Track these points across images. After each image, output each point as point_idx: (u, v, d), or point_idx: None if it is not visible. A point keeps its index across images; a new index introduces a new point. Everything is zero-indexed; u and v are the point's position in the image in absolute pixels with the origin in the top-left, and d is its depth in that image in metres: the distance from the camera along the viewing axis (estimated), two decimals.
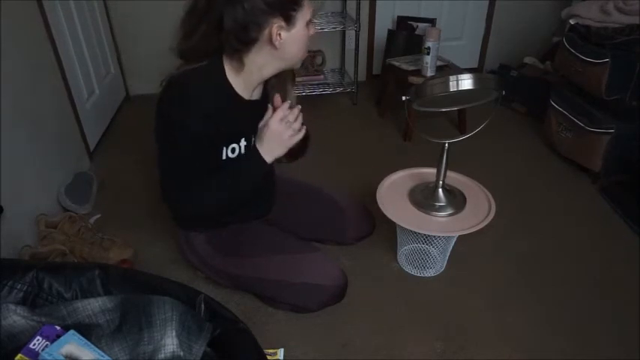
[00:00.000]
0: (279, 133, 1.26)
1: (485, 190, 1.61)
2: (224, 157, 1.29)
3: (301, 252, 1.43)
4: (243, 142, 1.31)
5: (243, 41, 1.15)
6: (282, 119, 1.25)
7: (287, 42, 1.17)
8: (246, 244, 1.44)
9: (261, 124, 1.28)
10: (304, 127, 1.30)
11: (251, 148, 1.29)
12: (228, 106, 1.24)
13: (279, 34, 1.15)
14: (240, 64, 1.19)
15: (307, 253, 1.44)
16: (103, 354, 0.87)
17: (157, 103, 1.22)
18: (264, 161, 1.28)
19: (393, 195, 1.59)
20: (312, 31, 1.22)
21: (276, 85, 1.34)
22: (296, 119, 1.27)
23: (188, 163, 1.23)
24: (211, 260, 1.46)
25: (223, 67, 1.21)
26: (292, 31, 1.16)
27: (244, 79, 1.24)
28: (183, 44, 1.19)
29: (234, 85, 1.23)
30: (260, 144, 1.27)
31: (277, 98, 1.27)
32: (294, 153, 1.39)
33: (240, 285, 1.51)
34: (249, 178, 1.31)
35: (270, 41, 1.15)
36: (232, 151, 1.30)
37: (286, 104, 1.26)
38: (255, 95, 1.31)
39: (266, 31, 1.14)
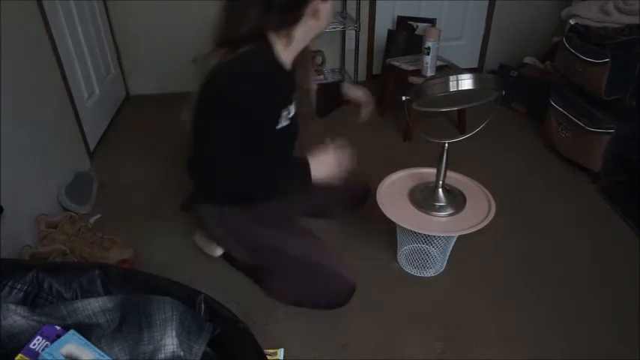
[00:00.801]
0: (330, 169, 1.38)
1: (486, 190, 1.61)
2: (278, 127, 1.41)
3: (323, 242, 1.55)
4: (286, 112, 1.43)
5: (294, 17, 1.30)
6: (336, 166, 1.38)
7: (323, 14, 1.33)
8: (276, 218, 1.54)
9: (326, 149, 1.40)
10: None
11: (305, 169, 1.37)
12: (278, 80, 1.38)
13: (319, 8, 1.31)
14: (289, 39, 1.33)
15: (328, 248, 1.55)
16: (103, 354, 0.87)
17: (215, 86, 1.29)
18: (310, 181, 1.37)
19: (393, 195, 1.59)
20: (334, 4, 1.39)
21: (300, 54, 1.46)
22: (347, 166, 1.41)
23: (245, 140, 1.32)
24: (239, 226, 1.51)
25: (271, 45, 1.34)
26: (327, 4, 1.33)
27: (289, 53, 1.37)
28: (230, 32, 1.31)
29: (281, 60, 1.37)
30: (316, 170, 1.37)
31: None
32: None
33: (257, 257, 1.53)
34: (293, 187, 1.46)
35: (312, 15, 1.31)
36: (284, 119, 1.43)
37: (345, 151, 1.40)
38: (289, 67, 1.43)
39: (310, 6, 1.30)
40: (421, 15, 2.99)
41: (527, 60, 2.96)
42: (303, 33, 1.34)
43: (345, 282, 1.45)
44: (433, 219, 1.51)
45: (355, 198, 1.83)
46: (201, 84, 1.32)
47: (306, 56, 1.50)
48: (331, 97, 1.68)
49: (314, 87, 1.56)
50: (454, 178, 1.65)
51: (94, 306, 0.94)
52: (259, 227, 1.51)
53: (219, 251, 1.67)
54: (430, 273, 1.64)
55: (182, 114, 1.38)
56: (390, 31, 2.96)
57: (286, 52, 1.36)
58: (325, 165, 1.37)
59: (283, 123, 1.43)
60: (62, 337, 0.86)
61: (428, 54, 2.30)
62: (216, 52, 1.32)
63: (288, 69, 1.40)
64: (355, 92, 1.68)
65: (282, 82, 1.40)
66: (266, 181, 1.41)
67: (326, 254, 1.50)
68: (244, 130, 1.31)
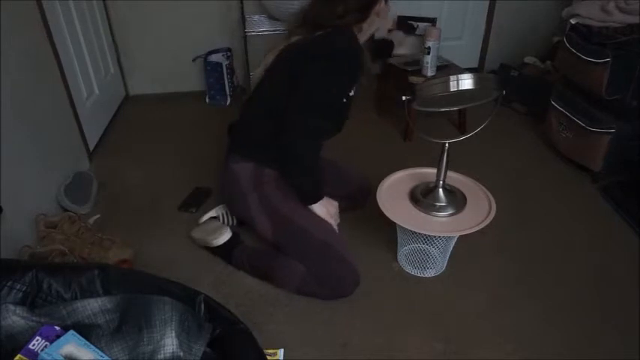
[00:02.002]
0: (323, 213, 1.60)
1: (486, 190, 1.60)
2: (345, 100, 1.59)
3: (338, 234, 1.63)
4: (356, 85, 1.63)
5: (366, 13, 1.59)
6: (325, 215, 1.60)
7: (382, 13, 1.65)
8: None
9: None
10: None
11: (318, 194, 1.60)
12: (361, 57, 1.61)
13: (381, 8, 1.62)
14: (359, 30, 1.61)
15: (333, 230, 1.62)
16: (102, 354, 0.87)
17: (327, 51, 1.52)
18: (313, 201, 1.58)
19: (393, 195, 1.59)
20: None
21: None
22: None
23: (331, 110, 1.55)
24: (271, 194, 1.59)
25: (352, 30, 1.60)
26: (384, 5, 1.64)
27: (360, 40, 1.63)
28: (328, 14, 1.56)
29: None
30: (319, 205, 1.59)
31: None
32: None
33: (280, 232, 1.58)
34: (310, 188, 1.59)
35: (378, 13, 1.61)
36: (349, 95, 1.60)
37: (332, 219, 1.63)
38: None
39: (377, 6, 1.60)
40: (421, 15, 2.98)
41: (527, 60, 2.95)
42: (368, 26, 1.63)
43: (354, 272, 1.51)
44: (433, 219, 1.51)
45: (355, 198, 1.82)
46: (287, 54, 1.58)
47: (369, 43, 1.75)
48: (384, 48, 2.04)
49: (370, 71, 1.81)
50: (454, 178, 1.64)
51: (94, 306, 0.93)
52: (287, 199, 1.58)
53: (221, 239, 1.66)
54: (430, 273, 1.64)
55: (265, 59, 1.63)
56: (390, 31, 2.96)
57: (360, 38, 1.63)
58: (323, 210, 1.58)
59: (347, 99, 1.60)
60: (61, 338, 0.86)
61: (428, 54, 2.30)
62: (293, 34, 1.62)
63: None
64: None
65: (361, 58, 1.62)
66: (314, 165, 1.55)
67: (342, 241, 1.56)
68: (330, 95, 1.53)
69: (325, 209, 1.59)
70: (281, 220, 1.57)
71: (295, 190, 1.57)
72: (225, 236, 1.66)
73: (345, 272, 1.50)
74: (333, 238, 1.55)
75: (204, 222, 1.80)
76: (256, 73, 1.67)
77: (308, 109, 1.49)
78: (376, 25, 1.66)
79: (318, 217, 1.58)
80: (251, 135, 1.63)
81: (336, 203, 1.64)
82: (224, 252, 1.67)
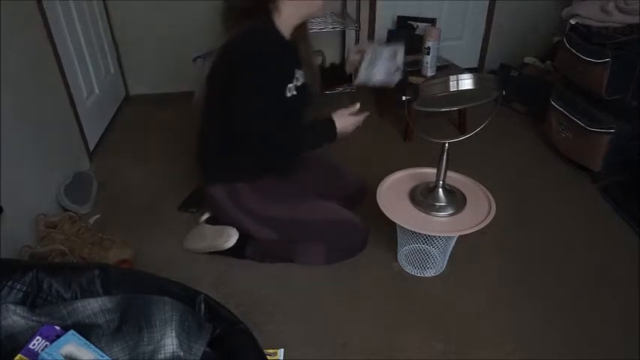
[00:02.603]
0: (350, 125, 1.57)
1: (486, 190, 1.60)
2: (289, 95, 1.52)
3: (328, 202, 1.67)
4: (292, 83, 1.54)
5: None
6: (359, 120, 1.58)
7: None
8: (285, 191, 1.65)
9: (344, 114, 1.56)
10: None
11: (330, 122, 1.54)
12: (283, 50, 1.50)
13: None
14: (278, 12, 1.46)
15: (329, 203, 1.66)
16: (102, 354, 0.87)
17: (233, 65, 1.43)
18: (335, 134, 1.55)
19: (393, 195, 1.59)
20: None
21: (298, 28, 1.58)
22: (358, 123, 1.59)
23: (272, 109, 1.46)
24: (256, 206, 1.61)
25: (272, 19, 1.47)
26: None
27: (284, 25, 1.49)
28: (231, 3, 1.47)
29: (281, 32, 1.49)
30: (339, 123, 1.54)
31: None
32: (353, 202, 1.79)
33: (280, 231, 1.62)
34: (322, 140, 1.59)
35: None
36: (293, 89, 1.54)
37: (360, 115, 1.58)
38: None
39: None
40: (421, 15, 2.98)
41: (527, 60, 2.95)
42: (292, 8, 1.46)
43: (361, 228, 1.64)
44: (433, 219, 1.51)
45: (352, 199, 1.81)
46: (214, 62, 1.47)
47: (304, 31, 1.60)
48: (334, 74, 1.78)
49: (316, 61, 1.69)
50: (454, 178, 1.64)
51: (94, 306, 0.93)
52: (273, 203, 1.61)
53: (231, 241, 1.65)
54: (430, 273, 1.64)
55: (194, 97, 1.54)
56: (390, 31, 2.96)
57: (282, 26, 1.48)
58: (346, 121, 1.54)
59: (290, 93, 1.53)
60: (62, 338, 0.86)
61: (428, 54, 2.30)
62: (225, 35, 1.47)
63: (288, 40, 1.52)
64: (354, 55, 1.69)
65: (284, 52, 1.51)
66: (301, 138, 1.57)
67: (336, 210, 1.64)
68: (266, 98, 1.44)
69: (347, 124, 1.55)
70: (277, 223, 1.61)
71: (313, 150, 1.62)
72: (233, 237, 1.65)
73: (358, 233, 1.65)
74: (332, 211, 1.62)
75: (199, 229, 1.75)
76: (198, 91, 1.56)
77: (248, 120, 1.47)
78: (306, 9, 1.50)
79: (307, 200, 1.62)
80: (208, 158, 1.64)
81: (343, 111, 1.57)
82: (235, 251, 1.67)
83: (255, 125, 1.47)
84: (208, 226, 1.73)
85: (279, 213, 1.61)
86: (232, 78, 1.43)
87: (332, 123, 1.53)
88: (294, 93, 1.54)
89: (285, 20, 1.48)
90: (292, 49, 1.55)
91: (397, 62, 1.60)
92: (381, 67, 1.61)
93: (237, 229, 1.66)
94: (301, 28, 1.56)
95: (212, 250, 1.68)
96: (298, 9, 1.48)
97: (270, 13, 1.46)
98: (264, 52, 1.43)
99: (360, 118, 1.57)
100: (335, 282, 1.61)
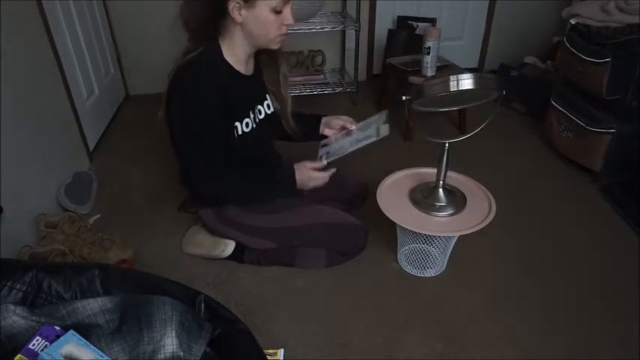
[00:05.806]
0: (314, 180, 1.52)
1: (486, 190, 1.60)
2: (240, 133, 1.43)
3: (320, 205, 1.63)
4: (252, 116, 1.47)
5: (216, 10, 1.32)
6: (320, 178, 1.52)
7: (248, 21, 1.32)
8: (275, 204, 1.59)
9: (305, 167, 1.50)
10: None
11: (290, 174, 1.49)
12: (231, 83, 1.39)
13: (240, 12, 1.31)
14: (230, 37, 1.36)
15: (324, 206, 1.64)
16: (102, 354, 0.87)
17: (170, 93, 1.37)
18: (295, 187, 1.51)
19: (393, 195, 1.59)
20: (287, 20, 1.35)
21: (267, 61, 1.51)
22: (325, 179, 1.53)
23: (211, 148, 1.39)
24: (249, 223, 1.58)
25: (219, 48, 1.38)
26: (254, 12, 1.30)
27: (234, 54, 1.39)
28: (186, 26, 1.40)
29: (230, 63, 1.40)
30: (299, 176, 1.50)
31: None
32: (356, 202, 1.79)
33: (277, 238, 1.60)
34: (277, 193, 1.57)
35: (238, 10, 1.31)
36: (246, 125, 1.45)
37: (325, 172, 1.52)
38: (249, 71, 1.47)
39: (229, 6, 1.30)
40: (421, 15, 2.98)
41: (527, 60, 2.95)
42: (237, 36, 1.35)
43: (359, 227, 1.63)
44: (433, 219, 1.51)
45: (353, 202, 1.82)
46: (169, 81, 1.39)
47: (277, 60, 1.50)
48: (308, 127, 1.66)
49: (288, 97, 1.56)
50: (454, 178, 1.64)
51: (94, 306, 0.93)
52: (267, 216, 1.58)
53: (228, 250, 1.64)
54: (430, 273, 1.64)
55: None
56: (390, 31, 2.96)
57: (232, 56, 1.39)
58: (308, 176, 1.50)
59: (244, 129, 1.44)
60: (61, 338, 0.86)
61: (428, 54, 2.30)
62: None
63: (243, 72, 1.43)
64: (337, 120, 1.67)
65: (235, 85, 1.40)
66: (247, 190, 1.53)
67: (332, 212, 1.62)
68: (203, 131, 1.36)
69: (309, 178, 1.49)
70: (274, 234, 1.59)
71: (267, 202, 1.57)
72: (230, 247, 1.64)
73: (357, 233, 1.64)
74: (327, 214, 1.60)
75: (197, 235, 1.71)
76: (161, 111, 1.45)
77: (188, 153, 1.42)
78: (251, 41, 1.37)
79: (298, 207, 1.58)
80: (187, 182, 1.60)
81: (308, 164, 1.51)
82: (234, 257, 1.66)
83: (184, 160, 1.46)
84: (205, 235, 1.69)
85: (275, 224, 1.59)
86: (169, 105, 1.38)
87: (292, 174, 1.48)
88: (254, 126, 1.47)
89: (239, 47, 1.38)
90: (247, 82, 1.44)
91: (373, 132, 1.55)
92: (354, 137, 1.59)
93: (236, 240, 1.65)
94: (271, 52, 1.46)
95: (209, 257, 1.68)
96: (249, 37, 1.35)
97: (221, 37, 1.37)
98: (198, 87, 1.33)
99: (326, 175, 1.50)
100: (335, 282, 1.61)
